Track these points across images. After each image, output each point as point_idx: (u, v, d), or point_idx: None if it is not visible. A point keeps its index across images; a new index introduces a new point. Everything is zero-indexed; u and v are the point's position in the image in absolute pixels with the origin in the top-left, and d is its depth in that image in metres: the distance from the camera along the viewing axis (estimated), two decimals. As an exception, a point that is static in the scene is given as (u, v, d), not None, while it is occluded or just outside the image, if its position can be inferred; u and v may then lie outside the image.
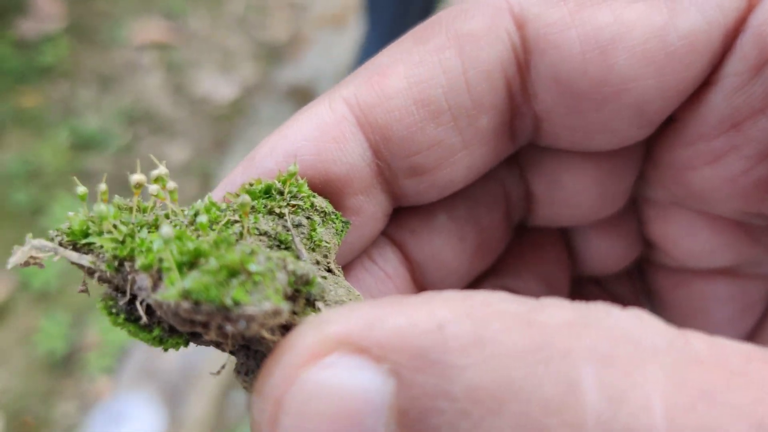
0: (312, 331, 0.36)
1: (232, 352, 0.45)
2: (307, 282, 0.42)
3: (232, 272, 0.36)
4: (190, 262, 0.38)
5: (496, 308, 0.33)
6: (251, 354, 0.44)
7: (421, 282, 0.63)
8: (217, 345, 0.46)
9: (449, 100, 0.52)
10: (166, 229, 0.38)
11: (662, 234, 0.65)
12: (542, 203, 0.66)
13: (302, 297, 0.42)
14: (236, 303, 0.35)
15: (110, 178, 3.03)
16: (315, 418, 0.34)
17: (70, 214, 0.46)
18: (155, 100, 3.35)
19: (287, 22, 3.83)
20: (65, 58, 3.39)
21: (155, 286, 0.40)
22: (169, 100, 3.37)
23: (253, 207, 0.50)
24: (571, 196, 0.63)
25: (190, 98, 3.37)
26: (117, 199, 0.48)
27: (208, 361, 2.62)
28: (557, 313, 0.33)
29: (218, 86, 3.47)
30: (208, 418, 2.57)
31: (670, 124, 0.56)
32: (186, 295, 0.35)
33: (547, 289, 0.69)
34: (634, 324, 0.33)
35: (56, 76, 3.35)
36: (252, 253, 0.37)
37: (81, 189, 0.48)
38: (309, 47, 3.66)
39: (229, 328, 0.36)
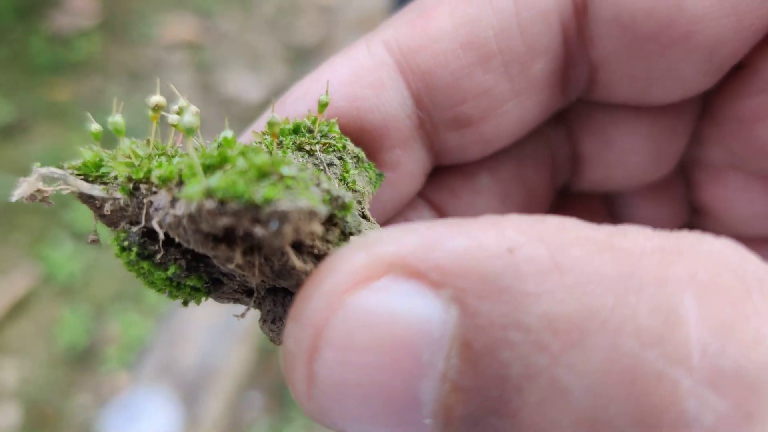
0: (360, 251, 0.31)
1: (258, 304, 0.42)
2: (344, 206, 0.37)
3: (263, 173, 0.32)
4: (215, 167, 0.34)
5: (573, 233, 0.30)
6: (278, 300, 0.41)
7: None
8: (242, 293, 0.43)
9: (500, 43, 0.47)
10: (189, 117, 0.34)
11: (714, 198, 0.60)
12: (590, 164, 0.61)
13: (338, 227, 0.38)
14: (267, 201, 0.31)
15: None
16: (362, 349, 0.30)
17: (82, 149, 0.42)
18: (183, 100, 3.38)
19: (316, 26, 3.85)
20: (97, 54, 3.43)
21: (174, 201, 0.35)
22: (198, 99, 3.39)
23: (280, 142, 0.45)
24: (622, 156, 0.58)
25: (219, 98, 3.39)
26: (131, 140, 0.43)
27: (227, 360, 2.63)
28: (642, 239, 0.30)
29: (246, 87, 3.49)
30: (223, 417, 2.57)
31: (737, 71, 0.51)
32: (210, 193, 0.31)
33: None
34: (732, 252, 0.30)
35: (88, 71, 3.38)
36: (284, 160, 0.33)
37: (95, 126, 0.43)
38: (337, 51, 3.65)
39: (258, 231, 0.31)
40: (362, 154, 0.48)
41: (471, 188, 0.58)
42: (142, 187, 0.39)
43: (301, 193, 0.32)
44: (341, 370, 0.31)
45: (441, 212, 0.58)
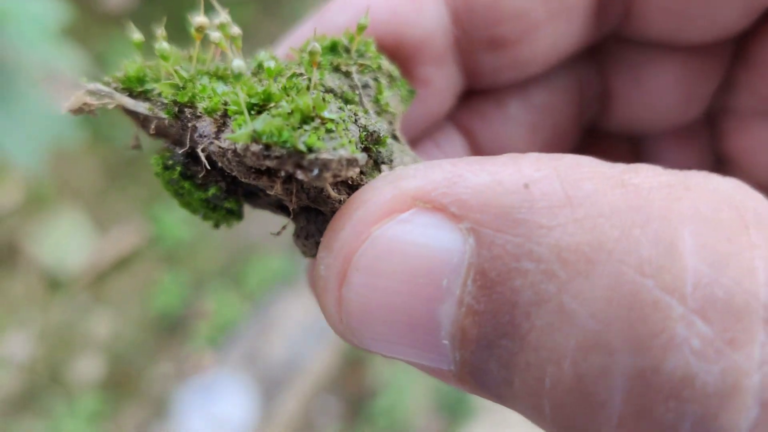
0: (387, 186, 0.34)
1: (291, 217, 0.43)
2: (378, 140, 0.40)
3: (305, 117, 0.34)
4: (259, 106, 0.37)
5: (587, 169, 0.32)
6: (311, 218, 0.42)
7: None
8: (276, 207, 0.45)
9: None
10: (238, 62, 0.35)
11: (738, 148, 0.61)
12: (619, 103, 0.62)
13: (371, 158, 0.41)
14: (310, 148, 0.33)
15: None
16: (387, 275, 0.33)
17: (125, 60, 0.43)
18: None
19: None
20: (248, 24, 3.41)
21: (219, 132, 0.38)
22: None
23: (318, 63, 0.44)
24: (651, 96, 0.59)
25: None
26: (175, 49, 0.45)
27: (311, 360, 2.54)
28: (653, 175, 0.32)
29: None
30: (298, 417, 2.49)
31: None
32: (256, 137, 0.34)
33: None
34: (735, 190, 0.31)
35: (235, 40, 3.38)
36: (324, 100, 0.36)
37: (137, 35, 0.43)
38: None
39: (300, 175, 0.34)
40: (396, 72, 0.49)
41: (501, 115, 0.59)
42: (187, 111, 0.40)
43: (341, 136, 0.34)
44: (368, 295, 0.34)
45: (470, 136, 0.59)
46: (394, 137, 0.47)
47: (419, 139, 0.57)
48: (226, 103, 0.38)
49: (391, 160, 0.42)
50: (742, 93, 0.58)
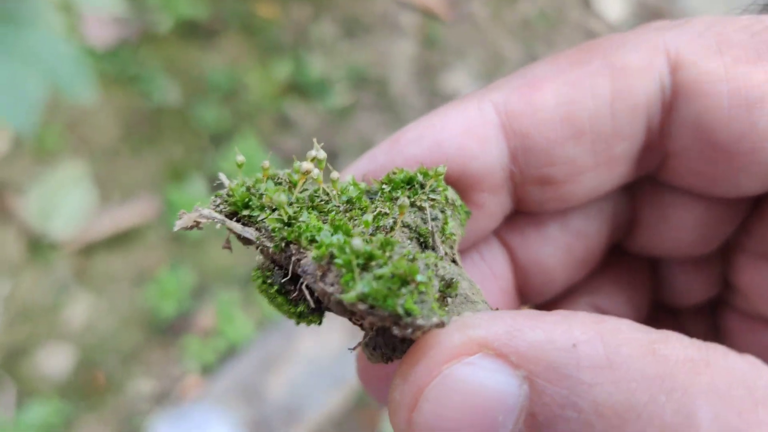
0: (458, 333, 0.40)
1: (365, 335, 0.48)
2: (450, 285, 0.46)
3: (403, 281, 0.39)
4: (363, 264, 0.41)
5: (625, 335, 0.37)
6: (380, 333, 0.46)
7: (521, 286, 0.66)
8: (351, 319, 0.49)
9: (592, 124, 0.53)
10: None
11: (747, 281, 0.65)
12: (645, 232, 0.67)
13: (441, 294, 0.46)
14: (408, 312, 0.38)
15: (307, 140, 2.52)
16: (453, 407, 0.38)
17: (225, 178, 0.50)
18: (396, 72, 2.81)
19: (571, 47, 3.19)
20: (323, -19, 2.90)
21: (323, 276, 0.43)
22: (411, 79, 2.81)
23: (396, 198, 0.52)
24: (674, 231, 0.64)
25: (433, 89, 2.81)
26: (272, 170, 0.51)
27: (315, 407, 2.11)
28: (680, 347, 0.36)
29: (466, 89, 2.88)
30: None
31: None
32: (363, 298, 0.39)
33: (633, 313, 0.71)
34: (749, 368, 0.36)
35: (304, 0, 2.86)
36: (414, 259, 0.42)
37: (240, 158, 0.52)
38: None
39: (395, 331, 0.39)
40: (458, 201, 0.55)
41: (540, 236, 0.64)
42: (292, 246, 0.46)
43: (432, 301, 0.40)
44: (435, 422, 0.39)
45: (510, 251, 0.65)
46: (454, 260, 0.53)
47: (467, 249, 0.63)
48: (332, 255, 0.42)
49: (457, 294, 0.47)
50: (754, 238, 0.62)
